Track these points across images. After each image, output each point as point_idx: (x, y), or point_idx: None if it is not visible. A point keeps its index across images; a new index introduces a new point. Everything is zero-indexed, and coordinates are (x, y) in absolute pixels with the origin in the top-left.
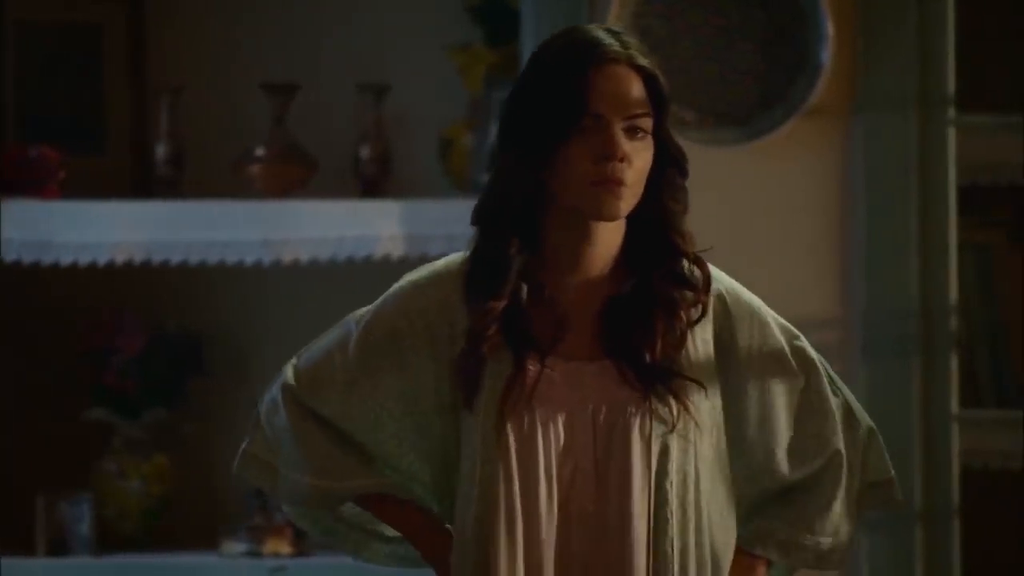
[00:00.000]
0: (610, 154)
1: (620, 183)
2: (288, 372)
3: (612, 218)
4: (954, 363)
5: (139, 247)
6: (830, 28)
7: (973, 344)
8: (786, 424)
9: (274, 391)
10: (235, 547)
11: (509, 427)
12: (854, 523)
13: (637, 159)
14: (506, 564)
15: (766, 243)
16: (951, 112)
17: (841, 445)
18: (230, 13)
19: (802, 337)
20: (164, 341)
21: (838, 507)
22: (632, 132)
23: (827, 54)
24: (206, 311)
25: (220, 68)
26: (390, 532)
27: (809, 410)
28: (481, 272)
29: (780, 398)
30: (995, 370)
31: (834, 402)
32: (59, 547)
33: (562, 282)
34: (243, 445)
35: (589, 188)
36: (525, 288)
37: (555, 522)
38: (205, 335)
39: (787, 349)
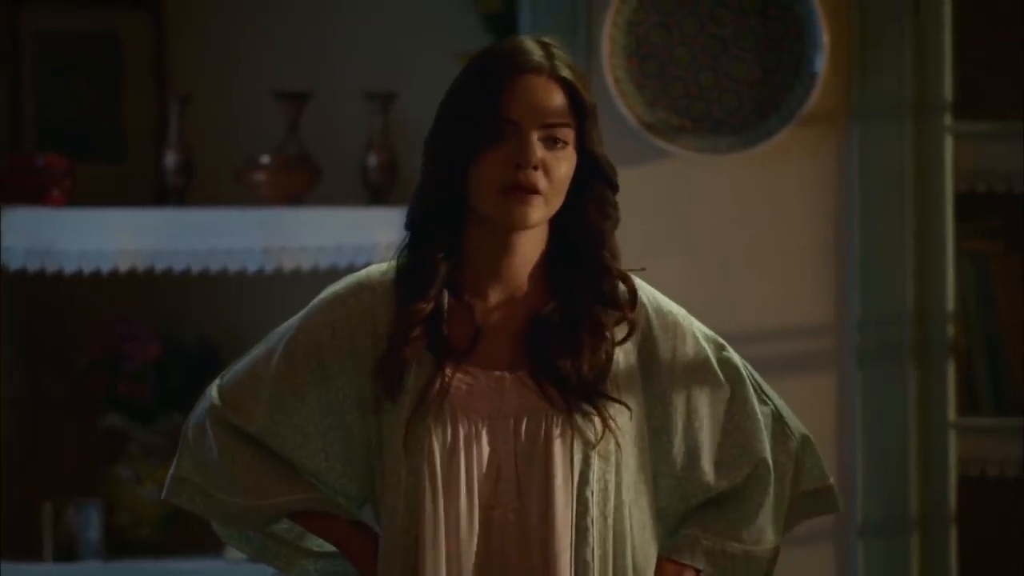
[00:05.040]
0: (523, 161)
1: (532, 191)
2: (213, 392)
3: (522, 226)
4: (951, 370)
5: (141, 255)
6: (826, 37)
7: (970, 351)
8: (711, 434)
9: (200, 412)
10: (239, 553)
11: (433, 437)
12: (782, 531)
13: (555, 168)
14: (432, 573)
15: (762, 251)
16: (948, 119)
17: (767, 454)
18: (244, 22)
19: (728, 348)
20: (180, 347)
21: (765, 515)
22: (551, 142)
23: (823, 62)
24: (220, 317)
25: (232, 76)
26: (319, 548)
27: (735, 420)
28: (408, 278)
29: (705, 409)
30: (992, 377)
31: (762, 411)
32: (69, 553)
33: (482, 292)
34: (171, 470)
35: (500, 195)
36: (447, 295)
37: (476, 531)
38: (220, 341)
39: (712, 360)
